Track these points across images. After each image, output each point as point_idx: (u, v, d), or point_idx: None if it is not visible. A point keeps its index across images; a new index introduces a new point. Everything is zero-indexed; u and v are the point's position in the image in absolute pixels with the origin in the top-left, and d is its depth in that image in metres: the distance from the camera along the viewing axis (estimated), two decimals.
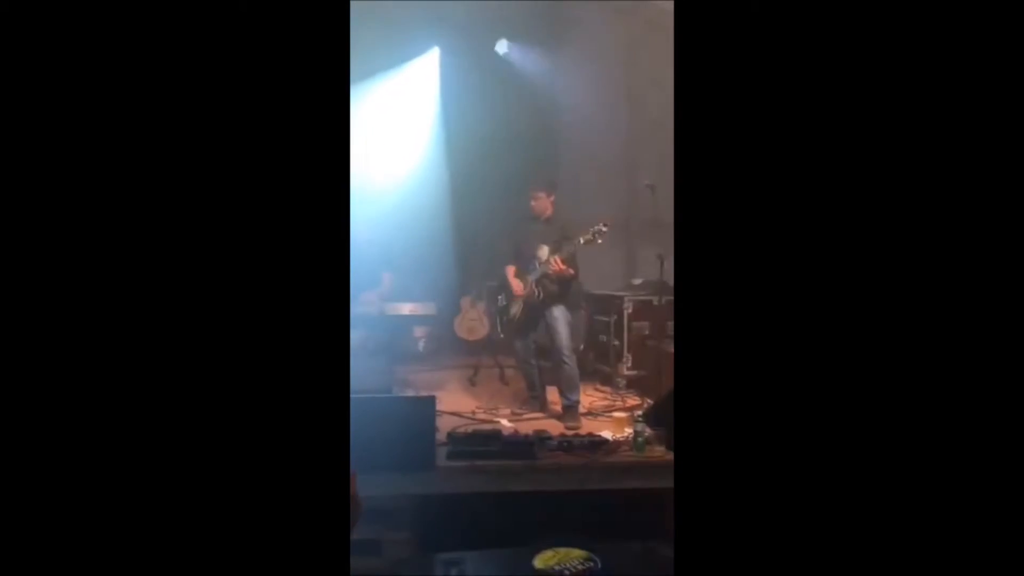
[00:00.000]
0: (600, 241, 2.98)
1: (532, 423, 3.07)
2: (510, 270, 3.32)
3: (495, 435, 2.70)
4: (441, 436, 2.69)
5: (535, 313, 3.26)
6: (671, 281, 3.99)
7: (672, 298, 3.92)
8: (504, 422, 3.11)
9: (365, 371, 2.82)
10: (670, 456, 2.61)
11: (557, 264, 3.06)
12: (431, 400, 2.61)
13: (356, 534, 0.94)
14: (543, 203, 3.26)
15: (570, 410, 3.15)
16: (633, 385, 3.84)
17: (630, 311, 3.94)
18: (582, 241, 3.01)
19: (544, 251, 3.18)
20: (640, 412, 2.96)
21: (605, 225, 2.97)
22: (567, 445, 2.63)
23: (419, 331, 4.67)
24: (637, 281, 4.34)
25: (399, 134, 4.92)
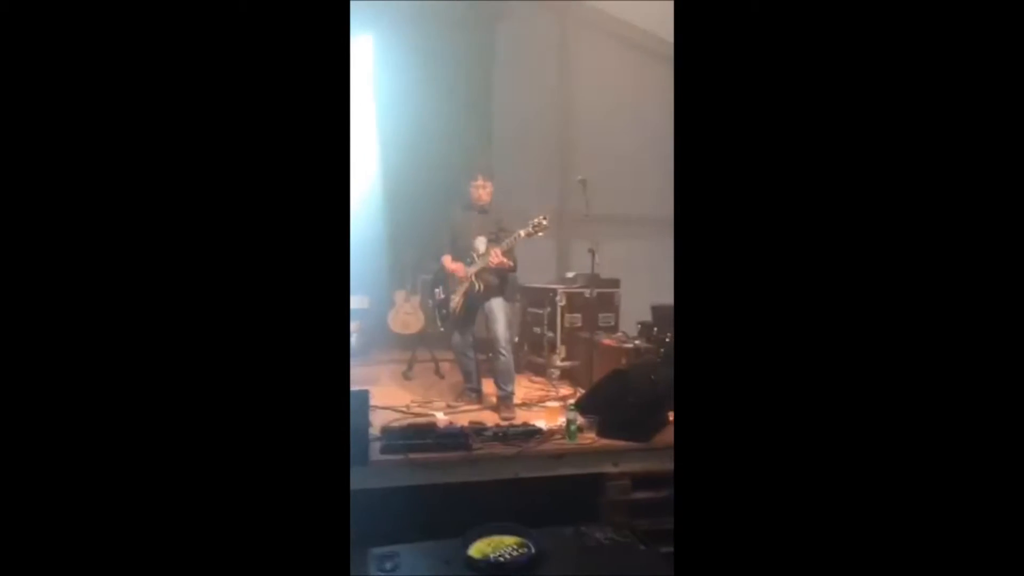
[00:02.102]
0: (541, 234, 3.01)
1: (467, 415, 3.08)
2: (447, 258, 3.31)
3: (430, 428, 2.70)
4: (375, 431, 2.65)
5: (473, 306, 3.27)
6: (602, 274, 4.11)
7: (602, 290, 4.04)
8: (439, 415, 3.10)
9: None
10: (601, 442, 2.70)
11: (497, 257, 3.07)
12: (364, 394, 2.56)
13: None
14: (486, 191, 3.25)
15: (505, 401, 3.19)
16: (566, 376, 3.93)
17: (563, 303, 4.03)
18: (523, 234, 3.03)
19: (481, 243, 3.18)
20: (572, 401, 3.04)
21: (545, 218, 3.00)
22: (502, 435, 2.66)
23: (351, 325, 4.57)
24: (570, 274, 4.43)
25: None
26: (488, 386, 3.37)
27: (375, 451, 2.52)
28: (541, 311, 4.15)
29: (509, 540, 1.78)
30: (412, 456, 2.47)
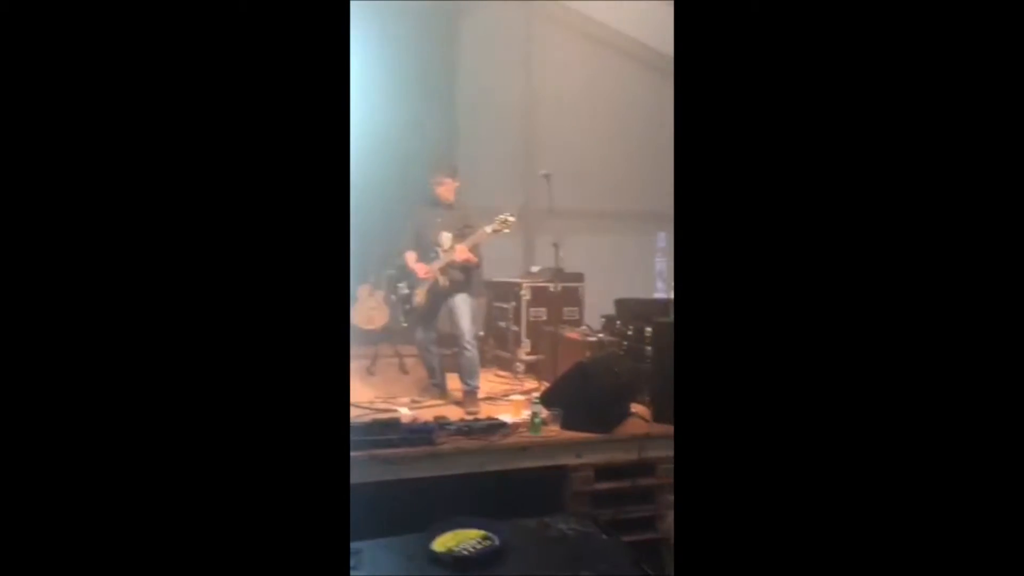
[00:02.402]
0: (508, 231, 3.02)
1: (432, 410, 3.08)
2: (410, 256, 3.28)
3: (394, 423, 2.69)
4: None
5: (438, 301, 3.26)
6: (566, 268, 4.15)
7: (567, 284, 4.08)
8: (403, 410, 3.09)
9: None
10: (564, 435, 2.73)
11: (463, 253, 3.06)
12: None
13: None
14: (447, 188, 3.24)
15: (470, 396, 3.20)
16: (531, 369, 3.96)
17: (528, 298, 4.05)
18: (490, 230, 3.03)
19: (446, 238, 3.17)
20: (537, 395, 3.07)
21: (511, 215, 3.01)
22: (466, 430, 2.67)
23: None
24: (534, 268, 4.46)
25: None
26: (453, 381, 3.37)
27: None
28: (506, 305, 4.16)
29: (473, 534, 1.79)
30: (376, 452, 2.46)
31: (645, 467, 2.66)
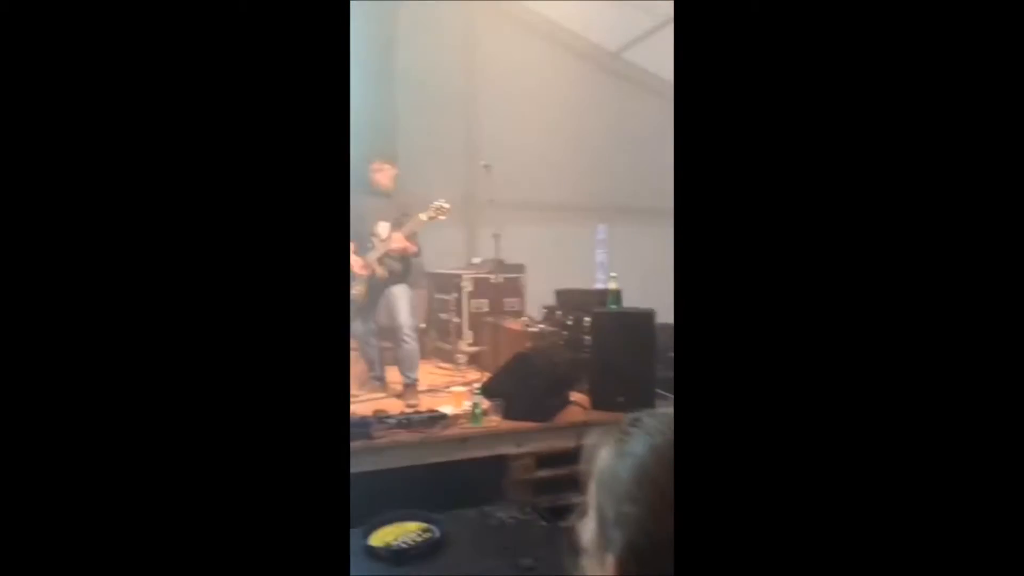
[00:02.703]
0: (443, 218, 3.00)
1: (371, 404, 3.02)
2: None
3: None
4: None
5: (376, 293, 3.20)
6: (507, 259, 4.16)
7: (508, 275, 4.10)
8: None
9: None
10: (505, 425, 2.75)
11: (400, 241, 3.01)
12: None
13: None
14: (386, 174, 3.17)
15: (410, 388, 3.16)
16: (473, 361, 3.95)
17: (469, 289, 4.04)
18: (424, 217, 2.99)
19: (384, 228, 3.11)
20: (478, 386, 3.07)
21: (446, 203, 2.99)
22: (406, 422, 2.64)
23: None
24: (476, 260, 4.45)
25: None
26: (393, 373, 3.32)
27: None
28: (447, 297, 4.13)
29: (413, 526, 1.78)
30: None
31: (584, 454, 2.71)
